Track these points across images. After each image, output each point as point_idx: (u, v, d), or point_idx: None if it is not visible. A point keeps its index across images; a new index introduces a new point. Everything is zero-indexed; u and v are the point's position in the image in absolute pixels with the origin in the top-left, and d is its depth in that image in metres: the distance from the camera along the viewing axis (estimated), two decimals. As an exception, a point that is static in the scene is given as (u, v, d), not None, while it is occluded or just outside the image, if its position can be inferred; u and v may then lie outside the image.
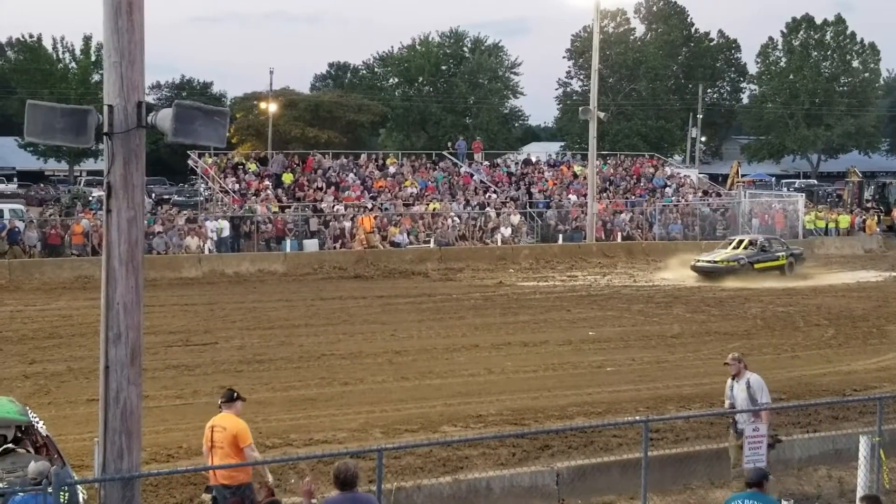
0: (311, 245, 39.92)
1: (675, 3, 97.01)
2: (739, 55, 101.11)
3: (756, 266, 37.50)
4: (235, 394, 11.38)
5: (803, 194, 57.06)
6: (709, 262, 37.58)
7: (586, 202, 45.76)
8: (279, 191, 45.04)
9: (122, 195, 8.60)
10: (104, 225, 8.74)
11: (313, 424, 16.85)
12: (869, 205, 60.26)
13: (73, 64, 78.31)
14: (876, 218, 54.09)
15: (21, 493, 9.33)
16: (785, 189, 70.80)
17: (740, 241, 39.32)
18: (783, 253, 39.13)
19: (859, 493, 12.54)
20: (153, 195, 60.13)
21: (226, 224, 39.09)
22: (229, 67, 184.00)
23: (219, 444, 11.01)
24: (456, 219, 43.73)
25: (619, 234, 45.87)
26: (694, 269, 37.38)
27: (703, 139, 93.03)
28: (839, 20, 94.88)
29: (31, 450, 11.77)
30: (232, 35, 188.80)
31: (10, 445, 11.68)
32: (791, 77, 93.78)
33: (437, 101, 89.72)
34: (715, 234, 47.63)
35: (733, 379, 13.72)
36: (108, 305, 8.68)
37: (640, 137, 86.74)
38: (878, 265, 42.99)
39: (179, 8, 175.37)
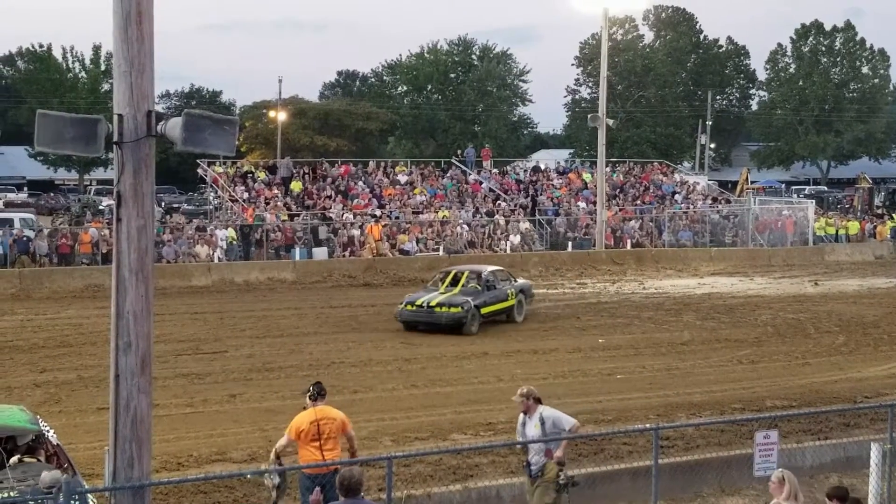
0: (320, 253, 39.93)
1: (684, 9, 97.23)
2: (748, 62, 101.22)
3: (483, 311, 27.25)
4: (324, 386, 12.33)
5: (813, 201, 56.91)
6: (420, 307, 26.81)
7: (595, 209, 45.71)
8: (288, 199, 45.08)
9: (131, 204, 8.61)
10: (114, 234, 8.75)
11: (323, 432, 16.82)
12: (879, 211, 60.09)
13: (83, 73, 78.58)
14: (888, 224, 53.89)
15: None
16: (795, 196, 70.67)
17: (456, 276, 28.37)
18: (510, 290, 28.75)
19: (871, 501, 12.49)
20: (163, 204, 60.28)
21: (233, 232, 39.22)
22: (238, 76, 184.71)
23: (331, 434, 11.92)
24: (465, 226, 43.72)
25: (629, 241, 45.79)
26: (400, 318, 27.03)
27: (713, 146, 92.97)
28: (848, 26, 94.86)
29: (42, 458, 11.79)
30: (241, 44, 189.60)
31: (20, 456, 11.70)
32: (800, 83, 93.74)
33: (446, 108, 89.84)
34: (727, 243, 47.63)
35: (525, 415, 12.25)
36: (118, 314, 8.68)
37: (649, 144, 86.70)
38: (889, 271, 42.84)
39: (189, 17, 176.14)
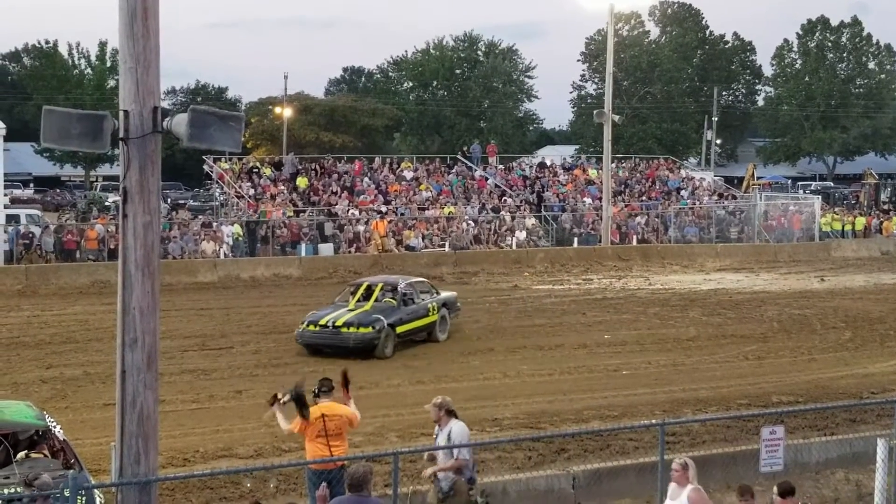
0: (326, 249, 39.95)
1: (690, 5, 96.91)
2: (754, 57, 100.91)
3: (399, 330, 23.57)
4: (332, 382, 12.50)
5: (819, 196, 56.83)
6: (325, 327, 23.03)
7: (601, 205, 45.68)
8: (294, 195, 45.11)
9: (137, 200, 8.62)
10: (120, 230, 8.76)
11: (329, 428, 16.83)
12: (886, 206, 59.97)
13: (89, 69, 78.53)
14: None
15: None
16: (801, 191, 70.54)
17: (369, 290, 24.56)
18: (432, 304, 25.14)
19: (877, 496, 12.49)
20: (169, 200, 60.26)
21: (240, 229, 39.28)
22: (244, 72, 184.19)
23: (337, 430, 12.02)
24: (471, 222, 43.73)
25: (635, 237, 45.76)
26: (300, 340, 23.28)
27: (719, 142, 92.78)
28: (855, 22, 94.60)
29: (49, 454, 11.82)
30: (247, 40, 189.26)
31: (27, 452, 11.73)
32: (807, 79, 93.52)
33: (452, 104, 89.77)
34: (732, 238, 47.59)
35: (437, 426, 12.01)
36: (124, 310, 8.70)
37: (654, 140, 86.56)
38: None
39: (195, 13, 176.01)
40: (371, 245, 40.20)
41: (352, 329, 22.71)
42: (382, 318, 23.00)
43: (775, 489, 10.00)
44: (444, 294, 26.43)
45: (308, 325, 23.17)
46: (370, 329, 22.70)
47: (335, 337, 22.74)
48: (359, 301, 24.06)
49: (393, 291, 24.46)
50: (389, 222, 41.86)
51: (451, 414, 11.87)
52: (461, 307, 26.98)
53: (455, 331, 26.43)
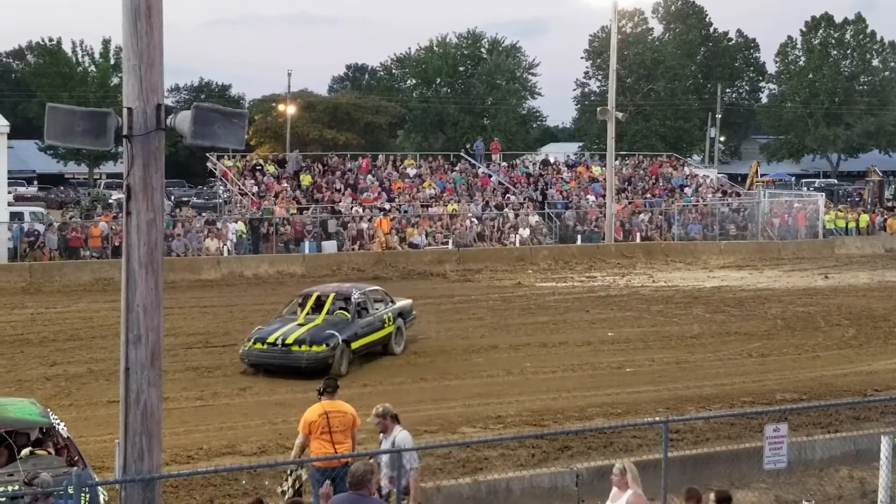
0: (329, 247, 39.97)
1: (693, 2, 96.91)
2: (758, 54, 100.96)
3: (354, 345, 21.26)
4: (337, 382, 12.69)
5: (823, 194, 56.77)
6: (273, 345, 20.66)
7: (605, 203, 45.67)
8: (298, 192, 45.14)
9: (141, 197, 8.62)
10: (124, 227, 8.77)
11: (332, 426, 16.84)
12: (889, 204, 59.89)
13: (93, 67, 78.67)
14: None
15: None
16: (805, 189, 70.48)
17: (319, 301, 22.29)
18: (387, 314, 22.86)
19: (881, 494, 12.47)
20: (172, 197, 60.36)
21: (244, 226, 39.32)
22: (248, 70, 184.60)
23: (340, 428, 12.07)
24: (474, 220, 43.73)
25: (638, 234, 45.75)
26: (246, 359, 21.01)
27: (722, 139, 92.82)
28: (859, 19, 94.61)
29: (52, 451, 11.83)
30: (250, 37, 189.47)
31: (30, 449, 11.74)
32: (810, 76, 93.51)
33: (455, 102, 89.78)
34: (731, 235, 47.55)
35: (382, 435, 11.74)
36: (128, 307, 8.70)
37: (658, 138, 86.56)
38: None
39: (198, 11, 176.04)
40: (375, 242, 40.21)
41: (303, 347, 20.32)
42: (336, 333, 20.70)
43: (712, 496, 9.83)
44: (400, 302, 23.98)
45: (255, 343, 20.77)
46: (324, 347, 20.34)
47: (285, 356, 20.37)
48: (309, 314, 21.72)
49: (345, 302, 22.14)
50: (392, 220, 41.87)
51: (396, 420, 11.65)
52: (416, 315, 24.89)
53: (458, 328, 26.46)
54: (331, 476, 11.58)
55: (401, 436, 11.51)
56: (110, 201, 53.12)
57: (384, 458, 11.35)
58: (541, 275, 37.94)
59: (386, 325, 22.62)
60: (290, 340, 20.48)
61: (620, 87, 60.84)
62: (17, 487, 10.42)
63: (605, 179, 47.65)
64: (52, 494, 9.23)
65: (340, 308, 22.10)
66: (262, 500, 9.86)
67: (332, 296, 22.29)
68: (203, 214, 43.61)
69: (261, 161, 49.51)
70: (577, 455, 15.12)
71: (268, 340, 20.60)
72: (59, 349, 23.19)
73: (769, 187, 60.91)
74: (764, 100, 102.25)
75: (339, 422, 11.98)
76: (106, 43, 77.86)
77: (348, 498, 9.02)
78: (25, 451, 11.56)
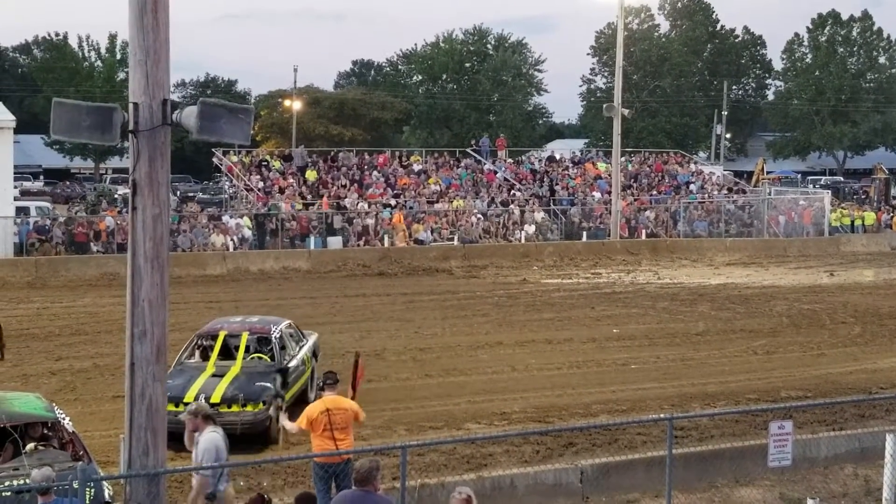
0: (335, 242, 39.98)
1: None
2: (765, 51, 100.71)
3: (287, 396, 16.76)
4: (337, 375, 12.51)
5: (829, 191, 56.63)
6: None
7: (610, 199, 45.63)
8: (303, 188, 45.14)
9: (147, 192, 8.64)
10: (129, 222, 8.78)
11: (337, 421, 16.83)
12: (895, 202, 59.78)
13: (99, 62, 78.81)
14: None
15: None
16: (811, 186, 70.37)
17: (229, 343, 17.62)
18: (306, 355, 18.55)
19: (886, 491, 12.46)
20: (178, 193, 60.41)
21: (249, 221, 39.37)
22: (254, 65, 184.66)
23: (342, 424, 11.98)
24: (480, 216, 43.72)
25: (644, 231, 45.72)
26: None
27: (728, 136, 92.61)
28: (866, 16, 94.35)
29: (58, 446, 11.86)
30: (256, 33, 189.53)
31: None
32: (817, 73, 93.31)
33: (461, 98, 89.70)
34: (737, 232, 47.49)
35: (196, 433, 11.08)
36: (133, 302, 8.72)
37: (664, 134, 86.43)
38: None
39: (205, 6, 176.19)
40: (399, 236, 40.21)
41: (234, 407, 15.52)
42: (269, 385, 16.14)
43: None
44: (311, 338, 19.72)
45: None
46: (260, 405, 15.68)
47: (232, 423, 14.80)
48: (220, 360, 16.93)
49: (262, 343, 17.67)
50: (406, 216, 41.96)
51: (209, 420, 11.16)
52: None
53: (463, 325, 26.48)
54: (333, 472, 11.62)
55: (204, 437, 10.88)
56: (116, 196, 53.17)
57: (197, 458, 10.89)
58: (546, 271, 37.92)
59: (306, 369, 18.39)
60: (215, 399, 15.30)
61: (626, 83, 60.70)
62: (22, 482, 10.44)
63: (610, 176, 47.61)
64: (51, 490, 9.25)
65: (260, 352, 17.45)
66: (264, 496, 9.87)
67: (245, 335, 17.44)
68: (207, 210, 43.61)
69: (267, 157, 49.52)
70: (582, 452, 15.13)
71: (184, 400, 15.03)
72: (65, 344, 23.24)
73: (775, 184, 60.82)
74: (770, 97, 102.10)
75: (341, 419, 11.97)
76: (112, 38, 78.01)
77: (353, 494, 9.06)
78: (30, 446, 11.60)
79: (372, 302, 30.04)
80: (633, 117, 67.94)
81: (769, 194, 52.08)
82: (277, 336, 17.54)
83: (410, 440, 14.94)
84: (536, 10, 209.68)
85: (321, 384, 12.43)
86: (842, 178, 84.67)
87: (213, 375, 16.25)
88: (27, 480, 10.44)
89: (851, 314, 28.71)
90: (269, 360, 17.11)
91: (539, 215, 44.96)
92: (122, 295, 9.36)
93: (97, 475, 10.58)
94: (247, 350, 17.28)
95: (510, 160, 54.85)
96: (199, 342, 17.55)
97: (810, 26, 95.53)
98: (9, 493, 10.40)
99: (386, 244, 39.89)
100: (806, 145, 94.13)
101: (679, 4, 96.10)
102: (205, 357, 17.18)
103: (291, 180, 45.61)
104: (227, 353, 17.32)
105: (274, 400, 15.89)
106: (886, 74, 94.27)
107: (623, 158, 50.97)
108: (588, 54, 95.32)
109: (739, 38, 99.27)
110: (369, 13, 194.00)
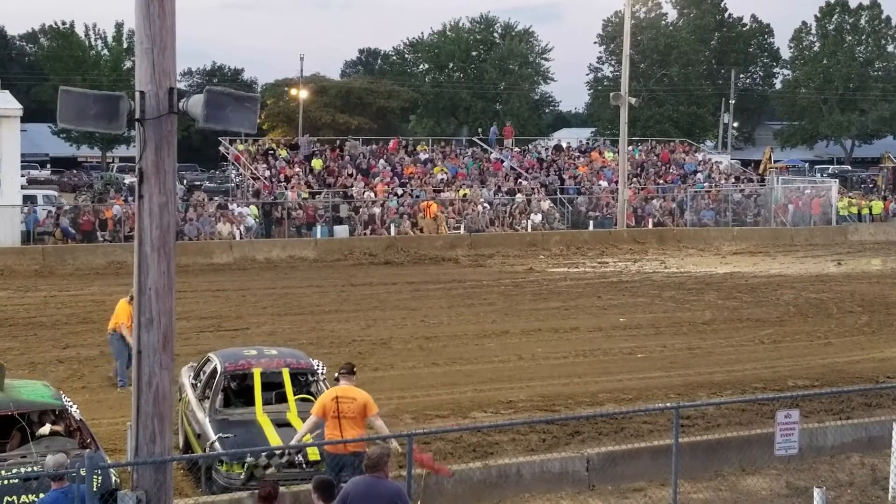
0: (341, 231, 39.98)
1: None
2: (772, 40, 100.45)
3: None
4: (354, 366, 12.26)
5: (837, 180, 56.52)
6: (290, 465, 12.23)
7: (617, 188, 45.58)
8: (310, 177, 45.15)
9: (153, 181, 8.64)
10: (136, 211, 8.79)
11: (344, 410, 16.85)
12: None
13: (105, 51, 78.81)
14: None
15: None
16: (818, 175, 70.22)
17: (272, 379, 13.87)
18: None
19: (892, 480, 12.47)
20: (185, 181, 60.40)
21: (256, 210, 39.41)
22: (260, 54, 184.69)
23: (350, 414, 11.80)
24: (486, 205, 43.70)
25: (650, 220, 45.66)
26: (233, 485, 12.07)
27: (736, 125, 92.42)
28: (874, 4, 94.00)
29: (65, 434, 11.89)
30: (263, 22, 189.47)
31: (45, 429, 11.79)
32: (825, 62, 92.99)
33: (468, 87, 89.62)
34: (746, 221, 47.42)
35: None
36: (140, 291, 8.73)
37: (671, 123, 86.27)
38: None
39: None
40: (440, 224, 40.27)
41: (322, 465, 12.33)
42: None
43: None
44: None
45: (240, 467, 12.27)
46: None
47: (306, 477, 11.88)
48: (268, 401, 13.60)
49: (302, 379, 14.32)
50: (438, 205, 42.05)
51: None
52: None
53: (470, 313, 26.51)
54: (339, 462, 11.57)
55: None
56: (123, 184, 53.21)
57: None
58: (552, 260, 37.91)
59: None
60: (314, 457, 12.32)
61: (634, 72, 60.49)
62: (30, 469, 10.48)
63: (617, 165, 47.54)
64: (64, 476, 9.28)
65: (299, 390, 13.98)
66: (276, 486, 9.89)
67: (287, 371, 13.92)
68: (215, 198, 43.64)
69: (273, 145, 49.51)
70: (588, 440, 15.14)
71: (260, 463, 12.21)
72: (72, 332, 23.27)
73: (783, 173, 60.67)
74: (778, 85, 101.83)
75: (349, 408, 11.86)
76: (119, 26, 78.04)
77: (363, 480, 9.14)
78: (45, 428, 11.65)
79: (378, 291, 30.04)
80: (640, 106, 67.72)
81: (777, 183, 51.90)
82: (322, 371, 14.53)
83: (416, 428, 14.96)
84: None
85: (336, 375, 12.39)
86: (849, 167, 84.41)
87: (279, 426, 12.90)
88: (35, 468, 10.48)
89: (858, 303, 28.68)
90: (313, 396, 13.71)
91: (546, 204, 44.92)
92: (130, 283, 9.38)
93: (104, 462, 10.62)
94: (296, 386, 13.96)
95: (517, 149, 54.81)
96: (223, 380, 13.73)
97: (818, 14, 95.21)
98: (17, 480, 10.43)
99: (392, 233, 39.89)
100: (813, 134, 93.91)
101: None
102: (242, 402, 13.82)
103: (298, 169, 45.61)
104: (271, 389, 13.84)
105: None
106: (894, 63, 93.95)
107: (630, 147, 50.89)
108: (595, 43, 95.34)
109: (747, 27, 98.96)
110: (376, 1, 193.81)
